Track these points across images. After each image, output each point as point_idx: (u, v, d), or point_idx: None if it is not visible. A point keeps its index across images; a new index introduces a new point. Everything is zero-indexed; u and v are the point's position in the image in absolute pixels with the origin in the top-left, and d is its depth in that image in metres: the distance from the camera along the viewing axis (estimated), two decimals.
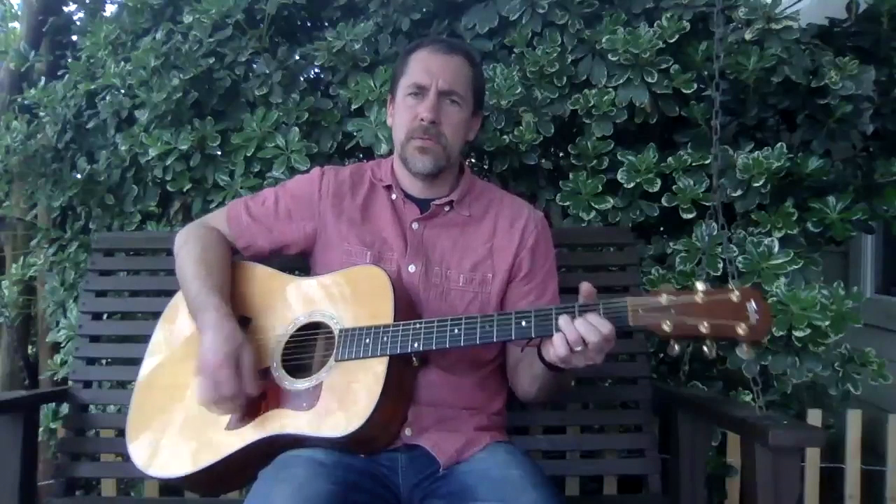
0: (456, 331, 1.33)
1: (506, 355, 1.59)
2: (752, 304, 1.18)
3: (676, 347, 1.22)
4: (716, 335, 1.19)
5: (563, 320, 1.24)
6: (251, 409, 1.39)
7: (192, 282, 1.49)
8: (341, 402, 1.34)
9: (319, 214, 1.60)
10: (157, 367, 1.57)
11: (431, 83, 1.53)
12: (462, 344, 1.32)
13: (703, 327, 1.18)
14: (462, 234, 1.58)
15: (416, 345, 1.34)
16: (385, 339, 1.35)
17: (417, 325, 1.35)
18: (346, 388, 1.35)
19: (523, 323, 1.29)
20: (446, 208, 1.59)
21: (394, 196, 1.61)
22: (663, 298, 1.22)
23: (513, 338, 1.31)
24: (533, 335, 1.29)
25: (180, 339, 1.58)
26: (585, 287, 1.27)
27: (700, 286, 1.22)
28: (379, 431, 1.36)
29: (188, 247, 1.56)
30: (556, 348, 1.24)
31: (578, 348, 1.22)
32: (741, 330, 1.17)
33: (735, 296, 1.19)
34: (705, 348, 1.21)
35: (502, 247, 1.58)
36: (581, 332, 1.22)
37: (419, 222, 1.58)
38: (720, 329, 1.18)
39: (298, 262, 1.70)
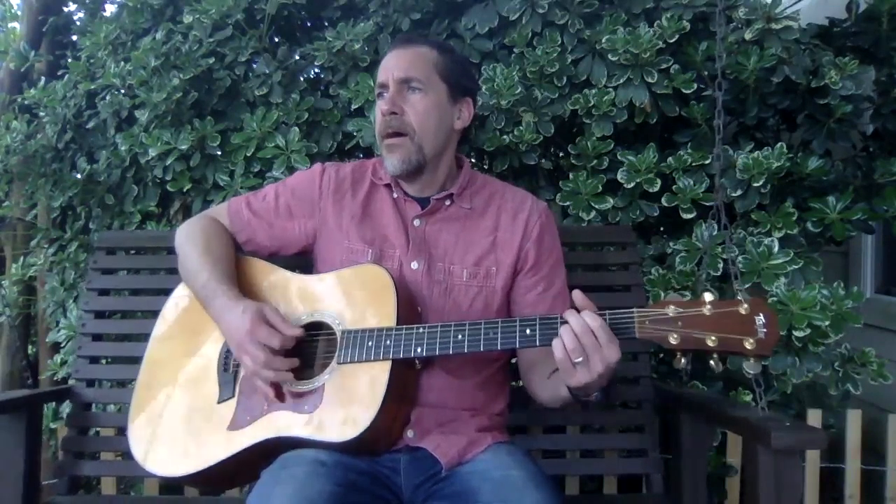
0: (460, 337, 1.32)
1: (517, 357, 1.58)
2: (761, 318, 1.16)
3: (683, 360, 1.20)
4: (723, 349, 1.17)
5: (562, 329, 1.22)
6: (253, 409, 1.40)
7: (199, 273, 1.49)
8: (343, 406, 1.33)
9: (320, 211, 1.60)
10: (158, 365, 1.57)
11: (388, 78, 1.53)
12: (465, 350, 1.31)
13: (711, 341, 1.16)
14: (464, 228, 1.57)
15: (419, 349, 1.33)
16: (388, 342, 1.35)
17: (421, 330, 1.34)
18: (349, 392, 1.34)
19: (528, 331, 1.28)
20: (447, 202, 1.58)
21: (395, 194, 1.60)
22: (670, 310, 1.20)
23: (517, 346, 1.29)
24: (537, 344, 1.28)
25: (182, 336, 1.58)
26: (578, 296, 1.25)
27: (708, 297, 1.19)
28: (381, 435, 1.36)
29: (191, 239, 1.56)
30: (554, 351, 1.22)
31: (579, 359, 1.20)
32: (749, 345, 1.15)
33: (744, 308, 1.17)
34: (711, 362, 1.19)
35: (506, 239, 1.56)
36: (574, 327, 1.20)
37: (421, 218, 1.57)
38: (727, 343, 1.16)
39: (300, 261, 1.70)
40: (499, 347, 1.30)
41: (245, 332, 1.35)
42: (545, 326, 1.27)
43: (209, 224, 1.61)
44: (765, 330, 1.15)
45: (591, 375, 1.21)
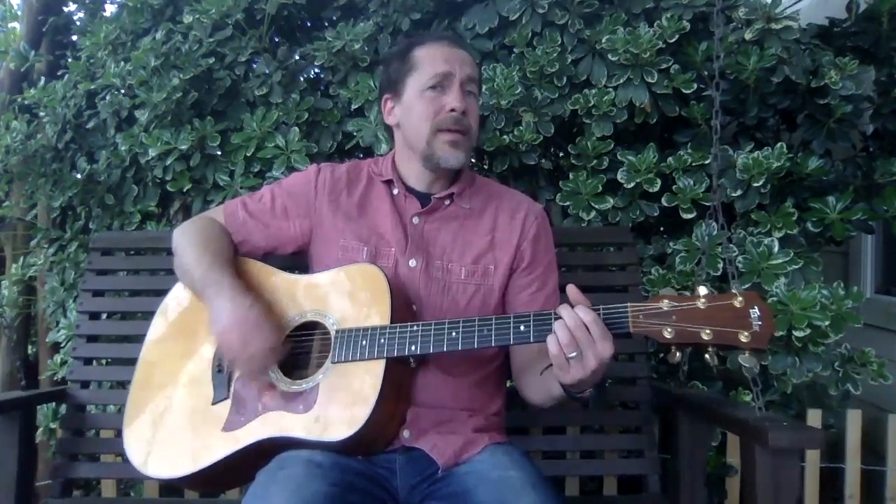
0: (454, 334, 1.32)
1: (509, 357, 1.58)
2: (756, 311, 1.15)
3: (678, 355, 1.20)
4: (718, 343, 1.16)
5: (556, 324, 1.22)
6: (248, 410, 1.39)
7: (196, 266, 1.48)
8: (338, 405, 1.33)
9: (315, 211, 1.60)
10: (153, 366, 1.56)
11: (455, 73, 1.51)
12: (459, 348, 1.31)
13: (705, 334, 1.16)
14: (462, 227, 1.57)
15: (413, 348, 1.33)
16: (382, 341, 1.35)
17: (415, 328, 1.34)
18: (343, 392, 1.34)
19: (521, 328, 1.28)
20: (447, 202, 1.59)
21: (395, 191, 1.60)
22: (664, 304, 1.19)
23: (511, 343, 1.29)
24: (532, 340, 1.27)
25: (176, 337, 1.57)
26: (572, 291, 1.25)
27: (702, 291, 1.18)
28: (377, 434, 1.36)
29: (189, 238, 1.56)
30: (549, 347, 1.22)
31: (573, 354, 1.19)
32: (744, 338, 1.14)
33: (738, 301, 1.17)
34: (707, 356, 1.18)
35: (504, 238, 1.57)
36: (567, 321, 1.20)
37: (420, 216, 1.57)
38: (722, 336, 1.16)
39: (297, 261, 1.69)
40: (493, 344, 1.30)
41: (237, 319, 1.35)
42: (539, 322, 1.27)
43: (207, 223, 1.61)
44: (759, 323, 1.15)
45: (585, 371, 1.20)
